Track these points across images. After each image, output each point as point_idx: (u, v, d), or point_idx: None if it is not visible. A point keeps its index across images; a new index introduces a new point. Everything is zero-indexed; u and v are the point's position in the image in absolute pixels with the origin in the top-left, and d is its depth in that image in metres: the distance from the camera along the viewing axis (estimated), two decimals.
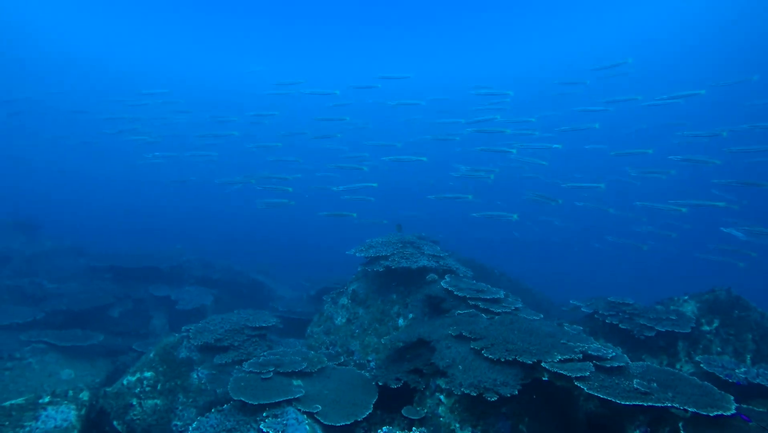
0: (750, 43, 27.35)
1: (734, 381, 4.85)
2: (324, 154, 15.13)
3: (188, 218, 28.83)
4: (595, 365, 4.08)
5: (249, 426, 4.17)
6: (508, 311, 5.51)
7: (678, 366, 5.81)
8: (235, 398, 4.39)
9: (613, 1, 28.49)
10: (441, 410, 4.25)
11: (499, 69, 34.19)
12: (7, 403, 4.54)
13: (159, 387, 5.32)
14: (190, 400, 5.31)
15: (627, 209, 11.95)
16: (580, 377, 3.84)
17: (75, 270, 11.03)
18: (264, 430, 4.01)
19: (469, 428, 4.04)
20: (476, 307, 5.56)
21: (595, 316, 6.45)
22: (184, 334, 5.85)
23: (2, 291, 9.15)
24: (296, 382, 4.80)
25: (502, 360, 4.16)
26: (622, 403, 3.62)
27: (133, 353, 7.48)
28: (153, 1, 30.96)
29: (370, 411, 4.48)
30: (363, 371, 5.36)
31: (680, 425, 3.56)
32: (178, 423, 5.14)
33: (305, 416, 4.29)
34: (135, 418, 5.09)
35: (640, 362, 4.61)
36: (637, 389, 3.79)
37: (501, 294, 5.85)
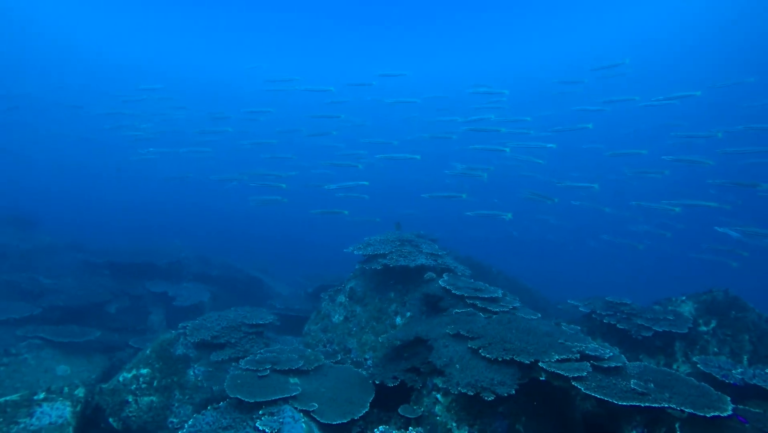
0: (749, 44, 27.35)
1: (731, 382, 4.85)
2: (321, 151, 15.12)
3: (187, 214, 28.77)
4: (592, 365, 4.07)
5: (245, 424, 4.16)
6: (505, 310, 5.50)
7: (675, 366, 5.81)
8: (232, 396, 4.38)
9: (614, 1, 28.46)
10: (438, 409, 4.25)
11: (499, 68, 34.16)
12: (2, 399, 4.52)
13: (155, 384, 5.30)
14: (187, 397, 5.29)
15: (624, 209, 11.99)
16: (578, 377, 3.83)
17: (72, 266, 10.99)
18: (260, 428, 4.00)
19: (466, 427, 4.03)
20: (474, 306, 5.55)
21: (593, 315, 6.45)
22: (181, 331, 5.84)
23: None
24: (293, 380, 4.79)
25: (500, 359, 4.15)
26: (619, 403, 3.62)
27: (130, 349, 7.46)
28: None
29: (366, 410, 4.47)
30: (360, 370, 5.35)
31: (677, 425, 3.56)
32: (174, 420, 5.13)
33: (302, 414, 4.28)
34: (131, 415, 5.08)
35: (638, 363, 4.60)
36: (634, 389, 3.79)
37: (499, 293, 5.84)
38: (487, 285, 6.08)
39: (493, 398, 3.83)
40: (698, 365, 5.19)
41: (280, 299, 10.33)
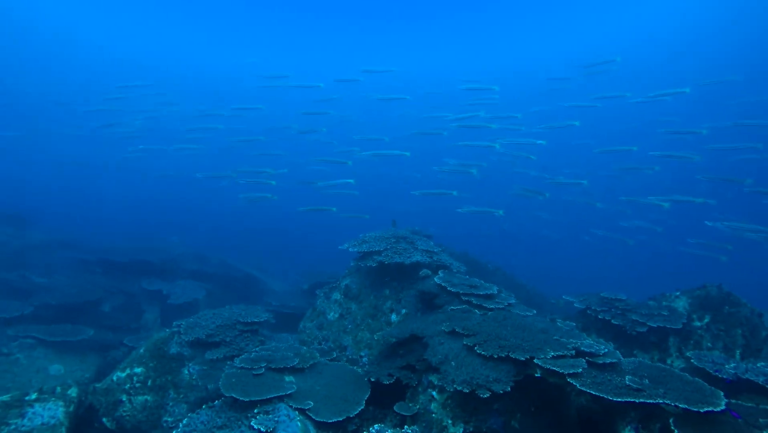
0: (742, 43, 27.45)
1: (724, 376, 4.89)
2: (314, 147, 15.08)
3: (184, 212, 28.62)
4: (587, 362, 4.08)
5: (240, 423, 4.14)
6: (501, 306, 5.51)
7: (669, 362, 5.85)
8: (226, 395, 4.35)
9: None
10: (433, 406, 4.25)
11: (493, 65, 34.12)
12: None
13: (149, 383, 5.27)
14: (181, 396, 5.26)
15: (616, 204, 12.09)
16: (573, 373, 3.83)
17: (65, 264, 10.90)
18: (255, 427, 3.98)
19: (462, 425, 4.03)
20: (469, 303, 5.54)
21: (588, 311, 6.47)
22: (175, 329, 5.80)
23: None
24: (288, 378, 4.77)
25: (495, 357, 4.15)
26: (615, 400, 3.63)
27: (124, 348, 7.41)
28: None
29: (362, 407, 4.46)
30: (355, 367, 5.33)
31: (671, 421, 3.57)
32: (169, 419, 5.10)
33: (297, 412, 4.26)
34: (125, 414, 5.04)
35: (632, 358, 4.62)
36: (629, 385, 3.80)
37: (494, 290, 5.84)
38: (483, 282, 6.08)
39: (488, 395, 3.83)
40: (692, 360, 5.22)
41: (275, 296, 10.30)
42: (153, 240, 13.42)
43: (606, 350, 4.35)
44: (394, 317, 6.01)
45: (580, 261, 24.53)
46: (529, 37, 32.85)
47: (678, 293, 6.58)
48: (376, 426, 4.15)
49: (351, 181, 10.42)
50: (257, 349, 5.43)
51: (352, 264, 7.05)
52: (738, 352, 5.84)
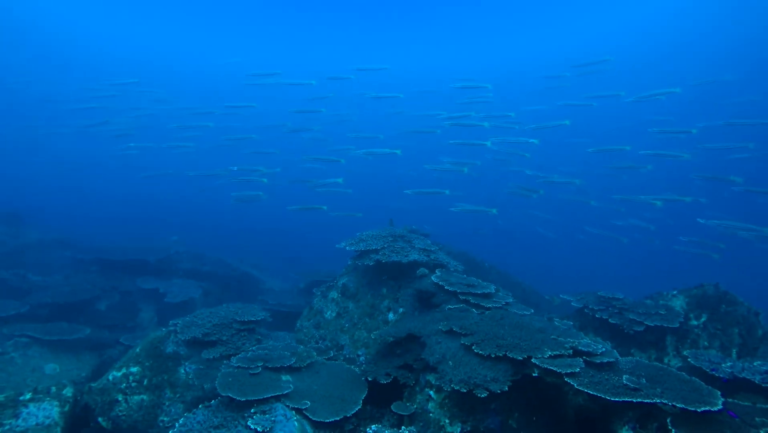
0: (737, 42, 27.52)
1: (720, 375, 4.89)
2: (307, 146, 15.04)
3: (182, 210, 28.50)
4: (585, 361, 4.07)
5: (237, 423, 4.12)
6: (498, 306, 5.50)
7: (666, 360, 5.86)
8: (223, 394, 4.33)
9: None
10: (431, 405, 4.24)
11: (489, 63, 34.12)
12: None
13: (145, 382, 5.24)
14: (178, 395, 5.24)
15: (610, 202, 12.15)
16: (570, 373, 3.83)
17: (61, 262, 10.86)
18: (252, 426, 3.96)
19: (459, 424, 4.03)
20: (467, 302, 5.54)
21: (585, 310, 6.47)
22: (172, 328, 5.76)
23: None
24: (285, 377, 4.75)
25: (493, 356, 4.14)
26: (612, 399, 3.62)
27: (120, 347, 7.38)
28: None
29: (359, 407, 4.45)
30: (353, 366, 5.32)
31: (668, 420, 3.57)
32: (165, 419, 5.07)
33: (294, 412, 4.25)
34: (120, 414, 5.02)
35: (630, 358, 4.62)
36: (626, 385, 3.80)
37: (492, 289, 5.83)
38: (480, 281, 6.07)
39: (486, 395, 3.82)
40: (689, 359, 5.23)
41: (272, 295, 10.25)
42: (152, 239, 13.35)
43: (603, 349, 4.35)
44: (391, 316, 6.00)
45: (575, 259, 24.59)
46: (523, 36, 32.85)
47: (675, 292, 6.59)
48: (373, 426, 4.14)
49: (339, 180, 10.41)
50: (254, 348, 5.41)
51: (349, 263, 7.03)
52: (735, 351, 5.86)
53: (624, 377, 3.93)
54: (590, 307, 6.41)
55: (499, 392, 3.84)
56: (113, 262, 9.92)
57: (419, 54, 34.40)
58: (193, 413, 4.31)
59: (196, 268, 10.91)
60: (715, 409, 3.54)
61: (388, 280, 6.35)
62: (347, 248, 6.64)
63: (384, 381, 4.69)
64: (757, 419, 3.71)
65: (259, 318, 6.19)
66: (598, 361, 4.14)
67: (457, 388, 3.92)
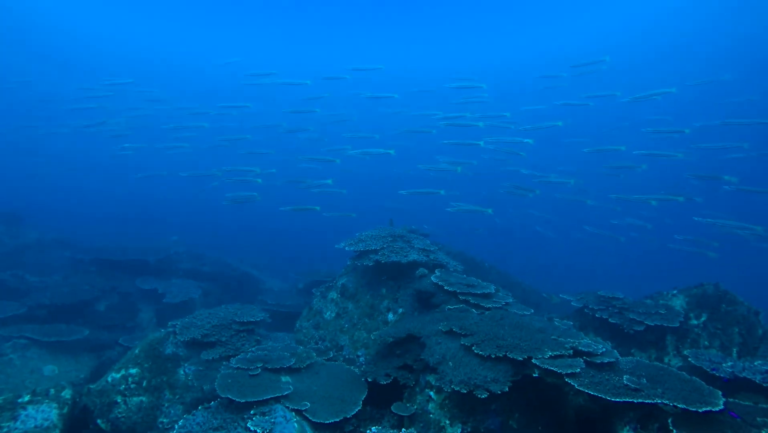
0: (743, 40, 27.50)
1: (721, 375, 4.88)
2: (303, 146, 15.01)
3: (181, 210, 28.47)
4: (585, 361, 4.06)
5: (236, 424, 4.10)
6: (498, 306, 5.49)
7: (666, 360, 5.85)
8: (222, 396, 4.31)
9: None
10: (431, 406, 4.22)
11: (487, 63, 34.04)
12: None
13: (144, 384, 5.22)
14: (177, 397, 5.22)
15: (607, 201, 12.18)
16: (571, 373, 3.81)
17: (60, 262, 10.83)
18: (251, 428, 3.94)
19: (459, 425, 4.01)
20: (466, 302, 5.52)
21: (585, 310, 6.46)
22: (171, 329, 5.74)
23: None
24: (284, 378, 4.73)
25: (493, 356, 4.13)
26: (613, 400, 3.61)
27: (120, 348, 7.36)
28: None
29: (359, 408, 4.44)
30: (352, 367, 5.30)
31: (669, 421, 3.56)
32: (165, 420, 5.06)
33: (293, 413, 4.23)
34: (120, 416, 5.00)
35: (630, 357, 4.61)
36: (627, 385, 3.78)
37: (491, 289, 5.82)
38: (480, 281, 6.05)
39: (486, 395, 3.80)
40: (689, 359, 5.22)
41: (272, 295, 10.23)
42: (151, 239, 13.33)
43: (604, 349, 4.34)
44: (391, 316, 5.98)
45: (573, 258, 24.61)
46: (522, 35, 32.81)
47: (675, 292, 6.57)
48: (373, 427, 4.13)
49: (329, 181, 10.40)
50: (253, 349, 5.39)
51: (348, 263, 7.01)
52: (735, 350, 5.85)
53: (624, 377, 3.92)
54: (590, 307, 6.40)
55: (499, 392, 3.83)
56: (112, 262, 9.89)
57: (418, 54, 34.36)
58: (193, 415, 4.29)
59: (196, 268, 10.89)
60: (717, 409, 3.53)
61: (387, 280, 6.33)
62: (346, 248, 6.62)
63: (384, 382, 4.68)
64: (758, 419, 3.70)
65: (258, 319, 6.18)
66: (599, 361, 4.12)
67: (457, 389, 3.90)
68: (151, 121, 15.77)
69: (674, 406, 3.58)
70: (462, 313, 5.22)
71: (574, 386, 3.74)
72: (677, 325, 5.85)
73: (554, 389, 4.27)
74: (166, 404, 5.15)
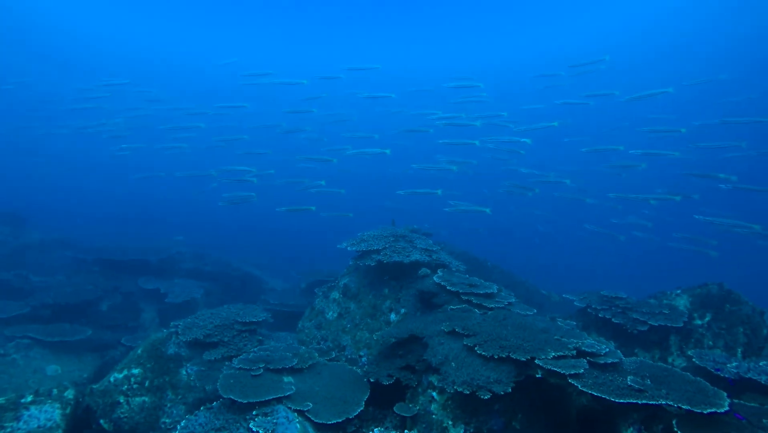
0: (742, 40, 27.40)
1: (725, 376, 4.86)
2: (302, 145, 15.01)
3: (183, 209, 28.49)
4: (588, 362, 4.04)
5: (239, 425, 4.09)
6: (501, 306, 5.47)
7: (670, 360, 5.82)
8: (225, 396, 4.31)
9: None
10: (433, 407, 4.21)
11: (486, 63, 33.96)
12: None
13: (147, 384, 5.22)
14: (179, 397, 5.22)
15: (607, 200, 12.19)
16: (574, 374, 3.80)
17: (62, 263, 10.84)
18: (254, 429, 3.94)
19: (462, 426, 4.00)
20: (469, 302, 5.50)
21: (588, 310, 6.44)
22: (173, 330, 5.75)
23: None
24: (287, 379, 4.73)
25: (496, 357, 4.11)
26: (617, 401, 3.59)
27: (122, 348, 7.37)
28: None
29: (362, 408, 4.42)
30: (355, 367, 5.29)
31: (674, 422, 3.54)
32: (167, 421, 5.06)
33: (296, 414, 4.22)
34: (122, 416, 5.00)
35: (634, 358, 4.59)
36: (631, 386, 3.76)
37: (494, 288, 5.80)
38: (482, 280, 6.03)
39: (489, 396, 3.79)
40: (693, 359, 5.20)
41: (274, 294, 10.23)
42: (154, 239, 13.35)
43: (607, 349, 4.32)
44: (393, 316, 5.97)
45: (573, 257, 24.57)
46: (520, 35, 32.74)
47: (678, 291, 6.55)
48: (375, 428, 4.12)
49: (322, 183, 10.42)
50: (255, 349, 5.38)
51: (350, 263, 7.00)
52: (739, 351, 5.82)
53: (628, 378, 3.90)
54: (593, 306, 6.38)
55: (502, 393, 3.81)
56: (115, 262, 9.91)
57: (417, 53, 34.31)
58: (195, 415, 4.29)
59: (198, 268, 10.91)
60: (722, 411, 3.50)
61: (389, 280, 6.32)
62: (349, 248, 6.61)
63: (386, 382, 4.66)
64: (764, 420, 3.68)
65: (260, 319, 6.17)
66: (602, 361, 4.10)
67: (460, 389, 3.89)
68: (150, 122, 15.77)
69: (678, 407, 3.56)
70: (465, 313, 5.20)
71: (577, 386, 3.72)
72: (681, 325, 5.82)
73: (557, 389, 4.25)
74: (169, 405, 5.16)
